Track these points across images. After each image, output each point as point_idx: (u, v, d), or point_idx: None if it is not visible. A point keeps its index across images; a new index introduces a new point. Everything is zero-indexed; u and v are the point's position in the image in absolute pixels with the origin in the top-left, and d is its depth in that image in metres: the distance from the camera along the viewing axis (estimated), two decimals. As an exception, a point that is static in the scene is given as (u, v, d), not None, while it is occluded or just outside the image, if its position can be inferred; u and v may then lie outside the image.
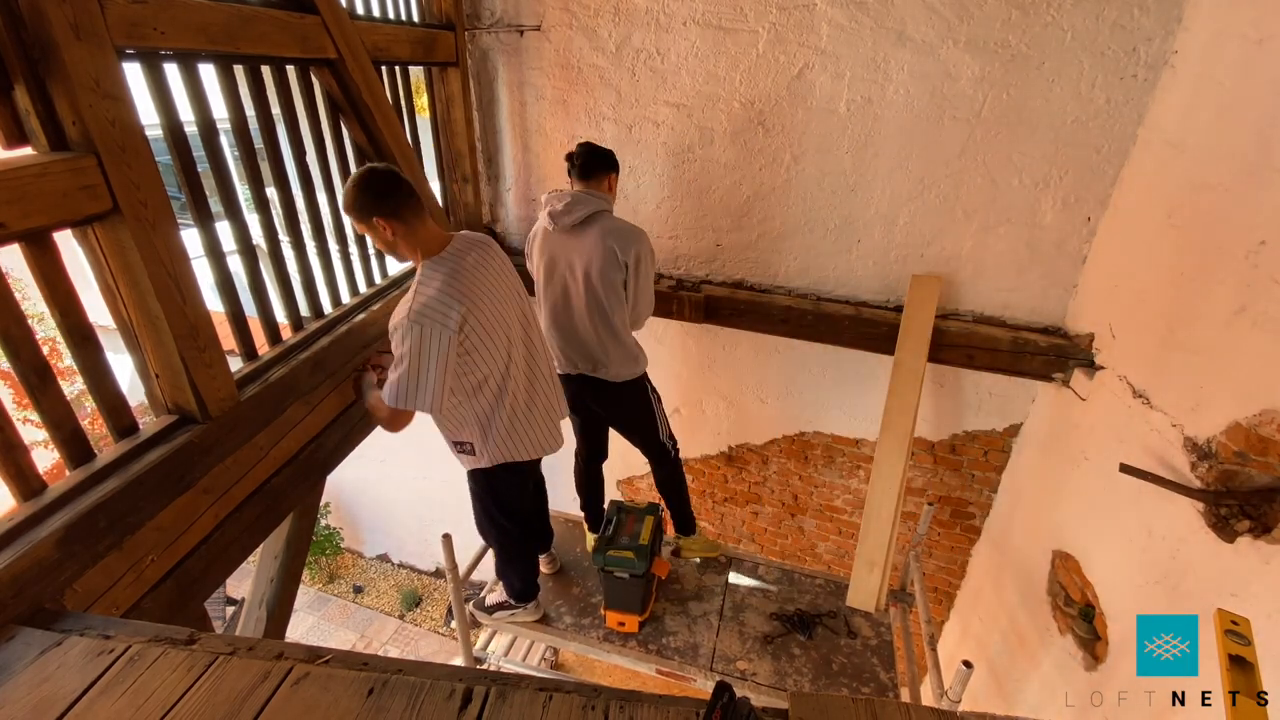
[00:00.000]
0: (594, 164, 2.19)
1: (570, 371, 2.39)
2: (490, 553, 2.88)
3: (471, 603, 2.67)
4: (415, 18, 2.54)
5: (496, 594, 2.64)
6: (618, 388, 2.37)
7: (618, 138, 2.80)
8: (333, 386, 2.06)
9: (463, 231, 1.86)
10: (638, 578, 2.40)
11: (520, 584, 2.50)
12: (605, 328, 2.26)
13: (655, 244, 2.98)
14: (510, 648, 3.67)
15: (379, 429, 2.34)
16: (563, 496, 2.86)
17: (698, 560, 2.88)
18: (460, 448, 2.00)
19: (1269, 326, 1.57)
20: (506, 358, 1.85)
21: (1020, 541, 2.79)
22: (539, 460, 2.15)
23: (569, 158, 2.21)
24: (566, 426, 2.28)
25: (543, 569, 2.80)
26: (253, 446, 1.72)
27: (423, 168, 2.53)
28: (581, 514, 3.10)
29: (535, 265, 2.32)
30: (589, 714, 0.96)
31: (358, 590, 7.71)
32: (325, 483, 2.11)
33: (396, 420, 1.79)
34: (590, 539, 2.88)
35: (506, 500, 2.17)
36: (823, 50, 2.39)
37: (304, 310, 2.12)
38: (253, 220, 1.87)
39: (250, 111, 1.79)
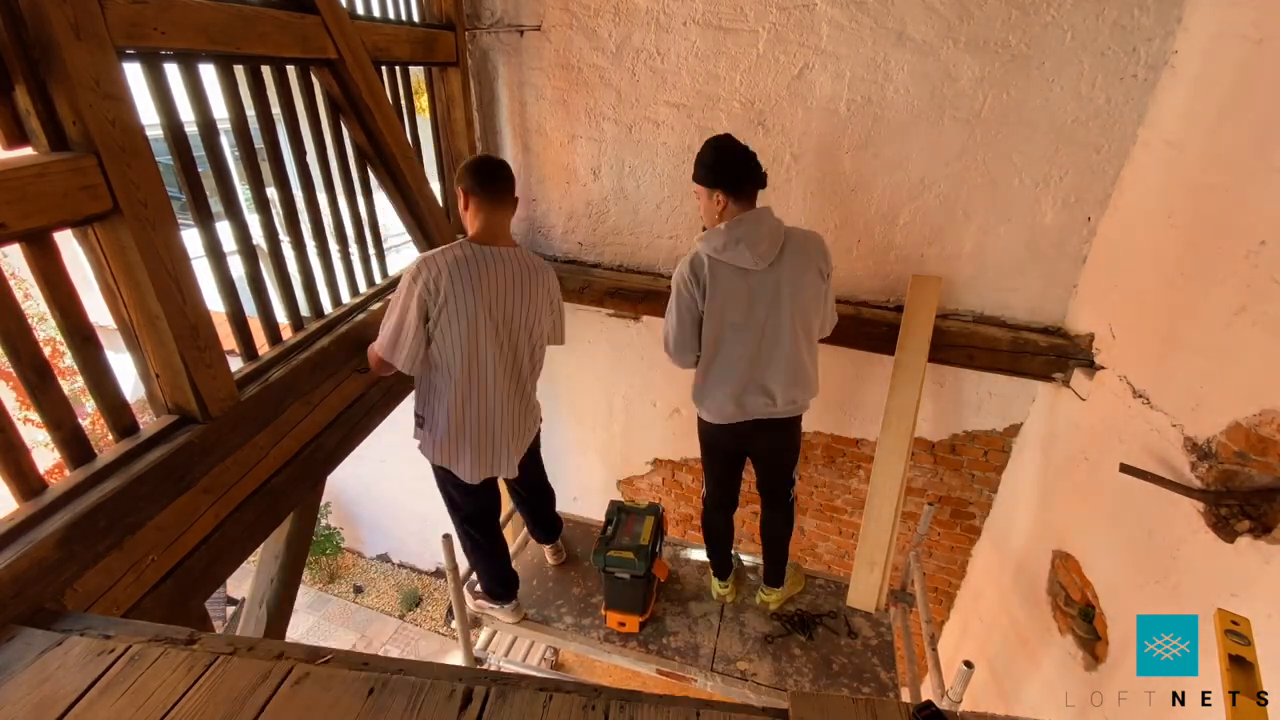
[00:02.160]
0: (753, 172, 1.86)
1: (739, 419, 2.11)
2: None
3: (465, 584, 2.67)
4: (415, 18, 2.54)
5: None
6: (788, 422, 2.17)
7: (618, 138, 2.80)
8: (333, 386, 2.06)
9: (525, 251, 1.93)
10: (638, 578, 2.40)
11: (485, 584, 2.47)
12: (810, 353, 2.06)
13: (655, 244, 3.00)
14: (510, 648, 3.66)
15: (378, 429, 2.35)
16: (560, 495, 2.85)
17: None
18: (418, 420, 2.01)
19: (1269, 326, 1.57)
20: (464, 356, 1.84)
21: (1020, 541, 2.79)
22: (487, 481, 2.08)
23: (721, 167, 1.85)
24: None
25: (549, 560, 2.80)
26: (253, 446, 1.73)
27: (423, 168, 2.53)
28: (579, 517, 3.10)
29: (720, 309, 1.96)
30: (589, 714, 0.96)
31: (358, 590, 7.71)
32: (325, 483, 2.11)
33: (378, 366, 1.89)
34: (717, 585, 2.69)
35: (455, 499, 2.14)
36: (823, 50, 2.39)
37: (304, 310, 2.12)
38: (253, 220, 1.87)
39: (250, 111, 1.79)
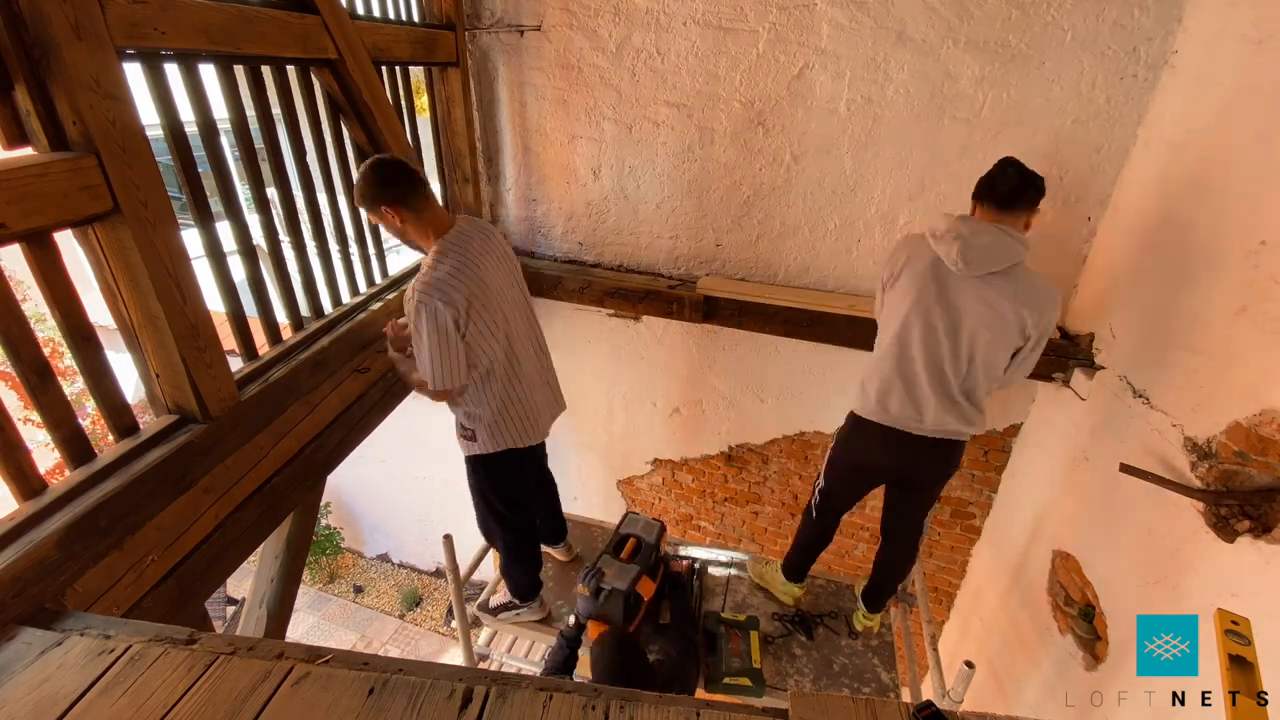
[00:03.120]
0: (1024, 193, 1.71)
1: (883, 422, 1.96)
2: (491, 552, 2.89)
3: (475, 604, 2.66)
4: (415, 18, 2.54)
5: (500, 595, 2.62)
6: (944, 443, 1.95)
7: (618, 138, 2.80)
8: (333, 386, 2.06)
9: (462, 215, 1.87)
10: (619, 592, 2.31)
11: (525, 580, 2.48)
12: (968, 398, 1.86)
13: (655, 244, 3.00)
14: (512, 645, 3.67)
15: (379, 428, 2.36)
16: (561, 494, 2.85)
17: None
18: (464, 432, 2.01)
19: (1269, 326, 1.57)
20: (507, 343, 1.88)
21: (1020, 541, 2.79)
22: (536, 448, 2.15)
23: (990, 179, 1.75)
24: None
25: (559, 558, 2.81)
26: (253, 446, 1.73)
27: (423, 167, 2.53)
28: (579, 517, 3.09)
29: (901, 291, 1.85)
30: (589, 714, 0.96)
31: (358, 590, 7.72)
32: (325, 483, 2.11)
33: (441, 396, 1.87)
34: (794, 587, 2.58)
35: (507, 488, 2.15)
36: (823, 50, 2.39)
37: (304, 310, 2.12)
38: (253, 220, 1.87)
39: (250, 111, 1.79)
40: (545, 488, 2.57)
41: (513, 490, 2.18)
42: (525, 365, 1.97)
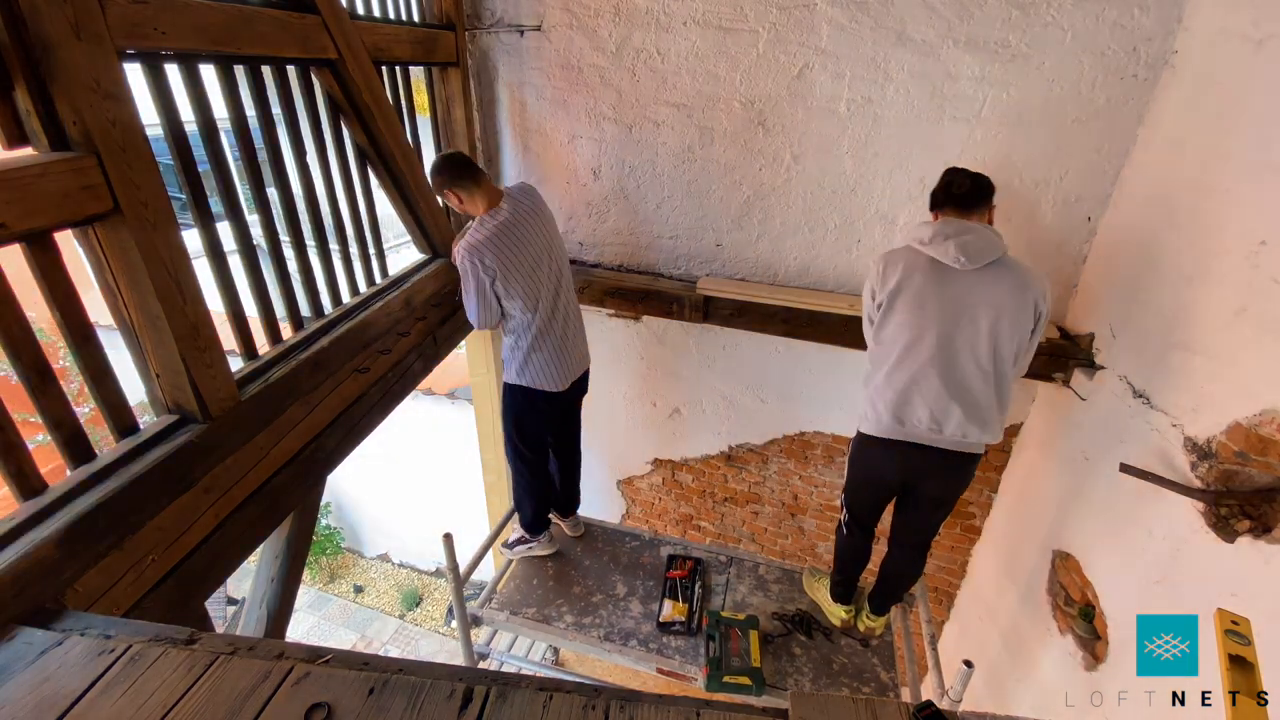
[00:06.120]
0: (980, 192, 1.84)
1: (898, 438, 1.96)
2: (491, 551, 2.92)
3: (498, 542, 2.89)
4: (415, 18, 2.54)
5: (517, 531, 2.87)
6: (961, 458, 1.95)
7: (618, 138, 2.80)
8: (333, 386, 2.06)
9: (512, 186, 2.28)
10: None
11: (533, 512, 2.74)
12: (997, 386, 1.87)
13: (655, 244, 3.00)
14: (512, 645, 3.67)
15: (379, 428, 2.36)
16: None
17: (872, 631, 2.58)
18: (505, 359, 2.39)
19: (1269, 326, 1.57)
20: (536, 300, 2.24)
21: (1020, 541, 2.79)
22: (561, 397, 2.42)
23: (946, 185, 1.88)
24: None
25: (567, 532, 2.99)
26: (253, 446, 1.72)
27: (423, 167, 2.53)
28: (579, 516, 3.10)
29: (905, 306, 1.87)
30: (589, 714, 0.96)
31: (358, 590, 7.72)
32: (325, 483, 2.11)
33: (484, 327, 2.32)
34: (839, 609, 2.56)
35: (527, 423, 2.48)
36: (823, 50, 2.39)
37: (305, 309, 2.12)
38: (253, 220, 1.87)
39: (251, 111, 1.79)
40: (567, 453, 2.78)
41: (531, 426, 2.50)
42: (553, 323, 2.31)
